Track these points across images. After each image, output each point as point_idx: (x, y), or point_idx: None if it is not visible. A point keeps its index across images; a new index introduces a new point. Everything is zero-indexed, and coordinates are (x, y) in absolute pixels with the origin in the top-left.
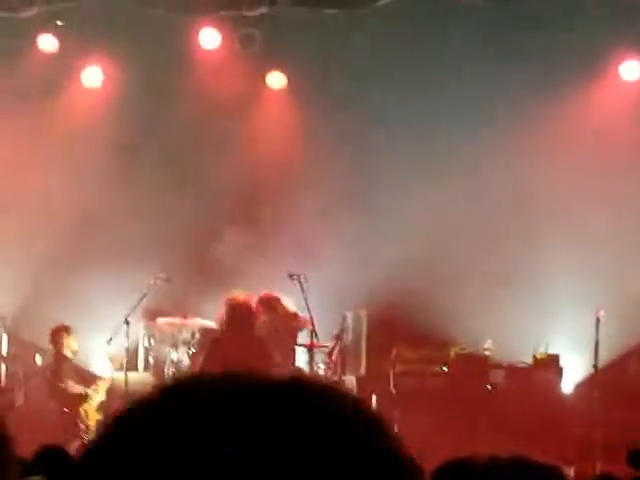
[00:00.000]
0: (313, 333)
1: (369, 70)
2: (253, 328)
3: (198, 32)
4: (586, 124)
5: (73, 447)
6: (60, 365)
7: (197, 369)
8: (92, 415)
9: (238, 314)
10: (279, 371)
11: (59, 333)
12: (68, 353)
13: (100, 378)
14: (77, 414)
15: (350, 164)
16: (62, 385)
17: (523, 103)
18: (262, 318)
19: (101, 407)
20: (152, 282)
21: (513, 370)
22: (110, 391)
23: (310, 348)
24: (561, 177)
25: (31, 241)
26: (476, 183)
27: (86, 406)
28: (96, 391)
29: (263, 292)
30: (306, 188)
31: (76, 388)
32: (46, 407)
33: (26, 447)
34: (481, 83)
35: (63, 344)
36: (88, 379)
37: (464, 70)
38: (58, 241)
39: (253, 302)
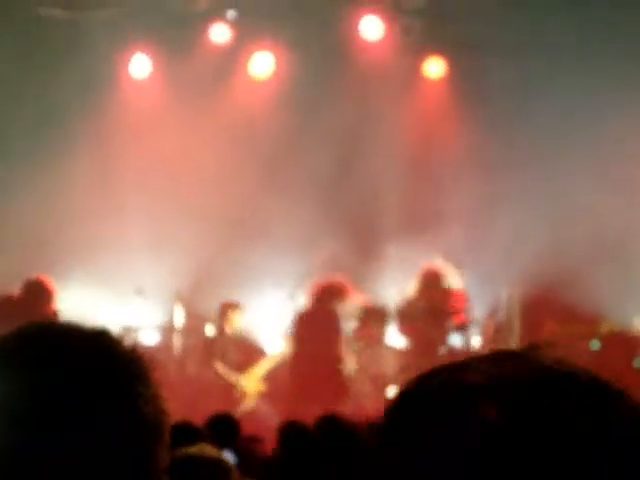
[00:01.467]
0: (468, 309)
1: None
2: (328, 304)
3: (359, 21)
4: None
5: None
6: (214, 341)
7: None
8: (253, 385)
9: (317, 294)
10: (432, 345)
11: (224, 309)
12: (229, 330)
13: (264, 356)
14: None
15: (501, 153)
16: (212, 364)
17: None
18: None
19: (264, 378)
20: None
21: None
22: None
23: (466, 323)
24: None
25: (204, 223)
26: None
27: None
28: (251, 374)
29: (428, 265)
30: (466, 170)
31: (221, 372)
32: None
33: (197, 415)
34: None
35: (226, 320)
36: (253, 355)
37: None
38: (229, 224)
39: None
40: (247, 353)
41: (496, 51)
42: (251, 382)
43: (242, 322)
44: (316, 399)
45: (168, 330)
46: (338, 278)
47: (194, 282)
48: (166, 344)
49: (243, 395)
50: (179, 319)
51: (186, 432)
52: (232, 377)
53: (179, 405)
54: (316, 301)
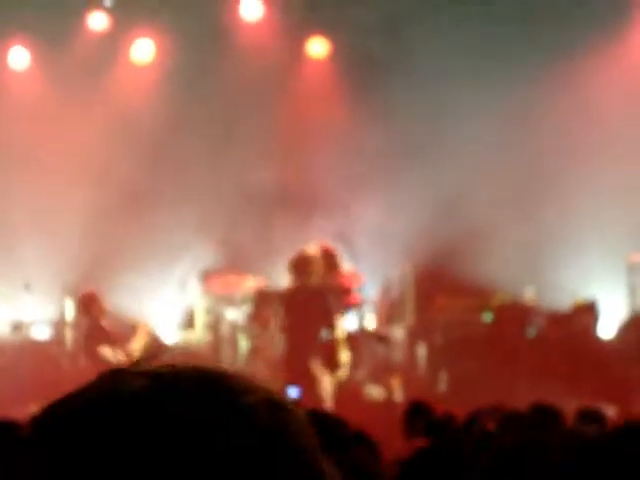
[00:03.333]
0: (360, 289)
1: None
2: (314, 278)
3: (238, 3)
4: (611, 79)
5: None
6: (96, 332)
7: (263, 326)
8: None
9: (299, 267)
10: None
11: (85, 302)
12: (99, 318)
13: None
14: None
15: (389, 128)
16: (98, 351)
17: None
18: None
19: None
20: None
21: (554, 316)
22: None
23: (359, 303)
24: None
25: (89, 213)
26: (514, 131)
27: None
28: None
29: (323, 245)
30: (344, 152)
31: (110, 355)
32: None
33: None
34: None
35: (94, 310)
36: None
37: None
38: (108, 212)
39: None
40: (123, 331)
41: (377, 29)
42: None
43: (103, 309)
44: None
45: (59, 324)
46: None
47: (83, 273)
48: (58, 338)
49: None
50: (70, 312)
51: None
52: (120, 356)
53: None
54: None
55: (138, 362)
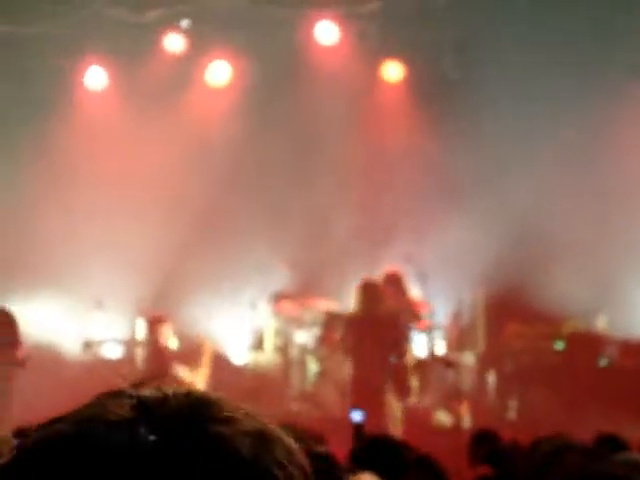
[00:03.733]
0: (430, 314)
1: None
2: (382, 304)
3: (313, 27)
4: None
5: None
6: (161, 355)
7: (332, 348)
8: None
9: (367, 293)
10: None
11: (154, 324)
12: (166, 342)
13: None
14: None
15: (464, 150)
16: (172, 371)
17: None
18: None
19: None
20: (277, 268)
21: (627, 345)
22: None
23: (428, 328)
24: None
25: (163, 232)
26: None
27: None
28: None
29: (389, 269)
30: (420, 175)
31: (184, 374)
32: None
33: None
34: None
35: (160, 334)
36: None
37: None
38: (181, 232)
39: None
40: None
41: (452, 51)
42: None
43: (170, 333)
44: None
45: (130, 343)
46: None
47: (155, 292)
48: (129, 357)
49: None
50: (141, 331)
51: None
52: (193, 377)
53: None
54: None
55: (141, 383)
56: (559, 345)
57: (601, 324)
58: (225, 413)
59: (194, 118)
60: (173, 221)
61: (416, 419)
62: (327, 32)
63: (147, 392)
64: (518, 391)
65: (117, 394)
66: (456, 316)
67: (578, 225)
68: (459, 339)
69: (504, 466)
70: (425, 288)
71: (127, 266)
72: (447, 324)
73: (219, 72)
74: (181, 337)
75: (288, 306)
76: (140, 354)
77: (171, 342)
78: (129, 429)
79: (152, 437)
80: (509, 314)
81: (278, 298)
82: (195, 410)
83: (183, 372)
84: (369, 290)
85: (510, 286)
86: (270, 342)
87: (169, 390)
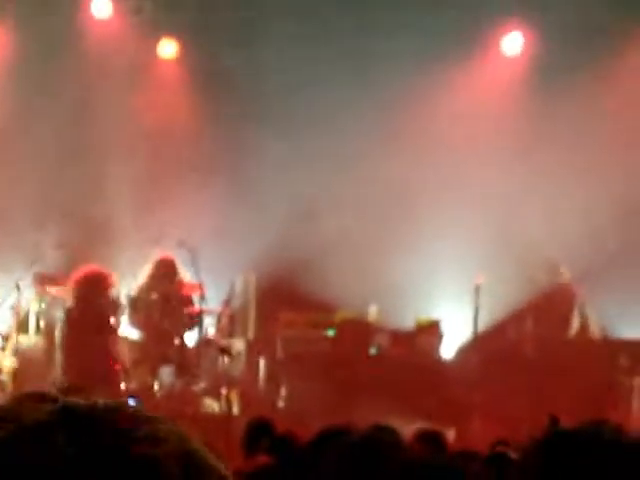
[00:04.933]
0: (202, 298)
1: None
2: (98, 298)
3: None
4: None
5: None
6: None
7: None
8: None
9: (83, 287)
10: (167, 337)
11: None
12: None
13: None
14: None
15: (235, 135)
16: None
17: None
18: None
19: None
20: (41, 249)
21: (396, 335)
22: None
23: (199, 314)
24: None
25: None
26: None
27: None
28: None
29: (162, 254)
30: (189, 157)
31: None
32: None
33: None
34: None
35: None
36: None
37: None
38: None
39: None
40: None
41: (226, 36)
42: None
43: None
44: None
45: None
46: (96, 270)
47: None
48: None
49: None
50: None
51: None
52: None
53: None
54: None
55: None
56: (330, 332)
57: (372, 314)
58: (155, 432)
59: None
60: None
61: (184, 404)
62: (101, 6)
63: (73, 399)
64: (288, 379)
65: (39, 397)
66: (227, 301)
67: (357, 217)
68: (230, 325)
69: (282, 456)
70: (197, 272)
71: None
72: (219, 309)
73: None
74: None
75: (54, 288)
76: None
77: None
78: (46, 436)
79: (70, 449)
80: (281, 301)
81: (43, 279)
82: (124, 424)
83: None
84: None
85: (283, 273)
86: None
87: (99, 400)
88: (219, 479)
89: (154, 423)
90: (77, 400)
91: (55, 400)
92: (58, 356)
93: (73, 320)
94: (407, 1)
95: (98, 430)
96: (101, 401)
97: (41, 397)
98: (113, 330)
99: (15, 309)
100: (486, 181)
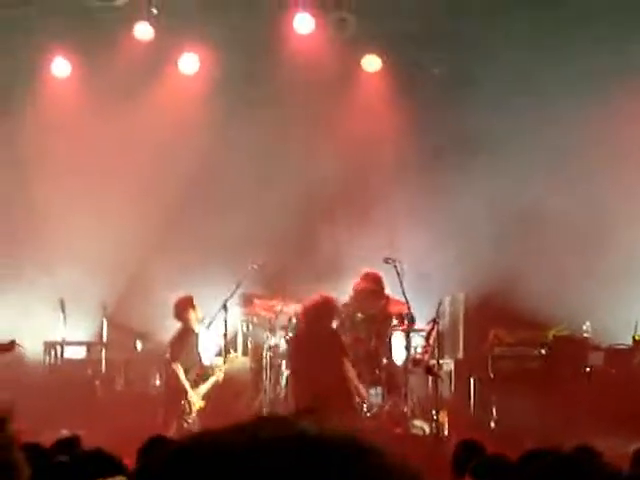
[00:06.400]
0: (409, 317)
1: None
2: (325, 322)
3: (292, 17)
4: None
5: (173, 428)
6: (185, 339)
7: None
8: (196, 400)
9: (311, 313)
10: (375, 357)
11: (184, 306)
12: (195, 326)
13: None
14: (181, 391)
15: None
16: (175, 369)
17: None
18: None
19: (206, 396)
20: (249, 268)
21: (612, 352)
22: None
23: (407, 332)
24: None
25: (128, 230)
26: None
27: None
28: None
29: (370, 270)
30: (396, 178)
31: (180, 375)
32: (147, 392)
33: (127, 431)
34: None
35: (189, 317)
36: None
37: None
38: (157, 230)
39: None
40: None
41: (430, 45)
42: (198, 398)
43: (201, 314)
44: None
45: (95, 345)
46: (324, 296)
47: (120, 293)
48: (93, 359)
49: (189, 409)
50: (106, 333)
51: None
52: (186, 385)
53: (108, 423)
54: (313, 321)
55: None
56: (544, 351)
57: (586, 330)
58: (383, 461)
59: (161, 108)
60: (139, 220)
61: (394, 425)
62: (304, 24)
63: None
64: (500, 399)
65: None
66: (435, 320)
67: (566, 236)
68: (438, 342)
69: (489, 479)
70: (403, 289)
71: (91, 265)
72: (427, 327)
73: (189, 61)
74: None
75: (260, 308)
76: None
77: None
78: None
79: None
80: (491, 319)
81: (250, 301)
82: (352, 455)
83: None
84: (312, 310)
85: (493, 290)
86: (242, 345)
87: (336, 428)
88: None
89: (381, 452)
90: (313, 424)
91: (293, 423)
92: (272, 379)
93: (303, 344)
94: None
95: (326, 455)
96: (338, 430)
97: (281, 420)
98: (345, 353)
99: (224, 334)
100: None
